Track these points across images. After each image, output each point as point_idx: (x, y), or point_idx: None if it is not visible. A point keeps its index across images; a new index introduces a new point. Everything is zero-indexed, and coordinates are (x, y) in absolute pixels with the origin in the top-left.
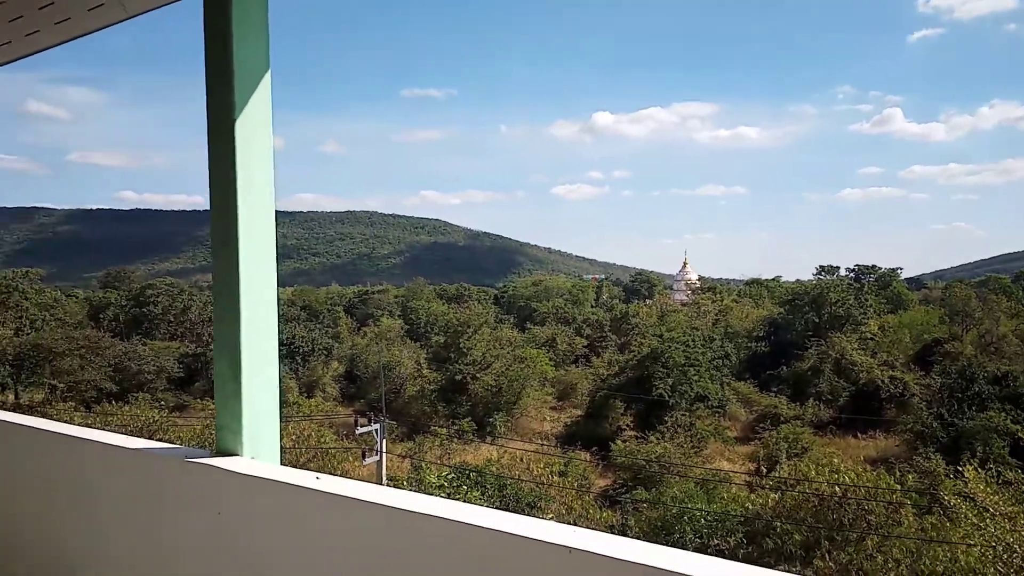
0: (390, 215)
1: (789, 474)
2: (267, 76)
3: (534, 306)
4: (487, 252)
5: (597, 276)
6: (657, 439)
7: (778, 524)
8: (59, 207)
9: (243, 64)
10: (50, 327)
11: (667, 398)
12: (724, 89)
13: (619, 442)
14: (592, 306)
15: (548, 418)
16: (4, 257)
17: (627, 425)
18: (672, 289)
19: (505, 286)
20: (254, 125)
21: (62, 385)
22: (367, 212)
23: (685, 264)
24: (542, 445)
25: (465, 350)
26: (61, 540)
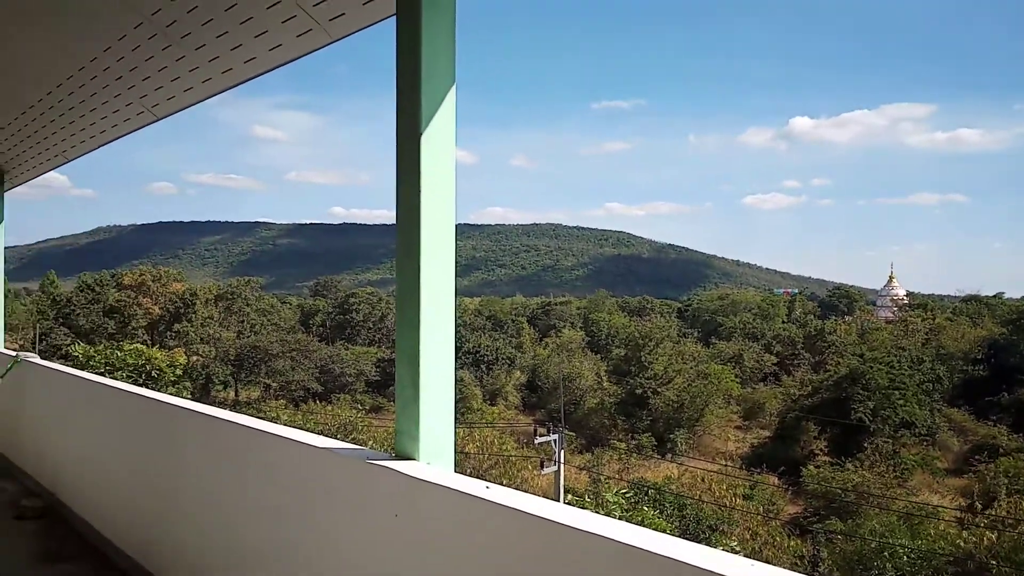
0: (574, 227)
1: (1009, 512)
2: (452, 90)
3: (720, 320)
4: (672, 265)
5: (789, 290)
6: (855, 466)
7: (994, 566)
8: (278, 222)
9: (430, 79)
10: (267, 331)
11: (867, 423)
12: (941, 88)
13: (811, 467)
14: (783, 322)
15: (733, 438)
16: (230, 267)
17: (820, 450)
18: (875, 305)
19: (689, 299)
20: (439, 139)
21: (275, 384)
22: (552, 224)
23: (891, 278)
24: (725, 465)
25: (646, 364)
26: (246, 528)
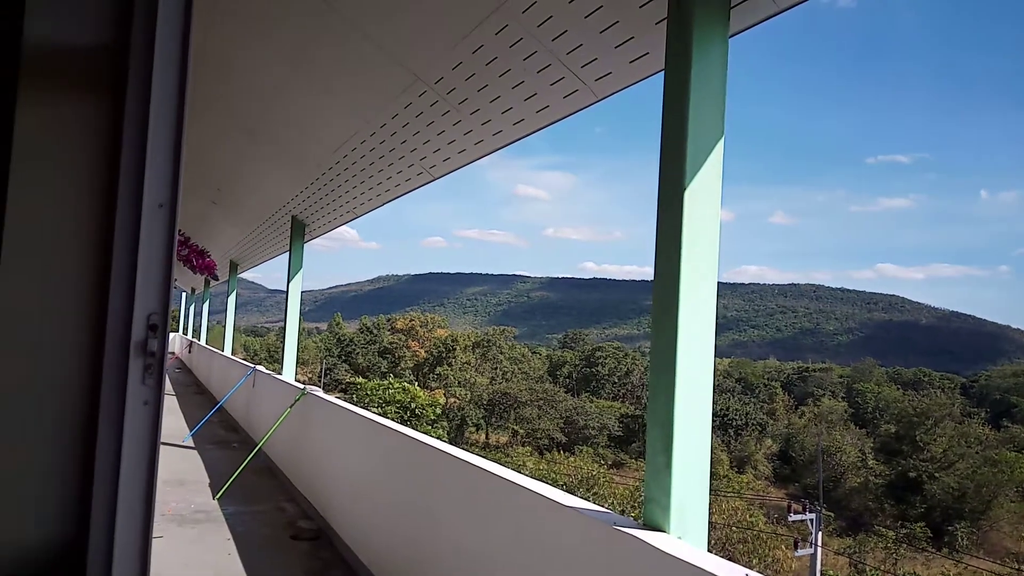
0: (838, 289)
1: None
2: (720, 144)
3: (1014, 400)
4: (955, 334)
5: None
6: None
7: None
8: (533, 275)
9: (696, 132)
10: (517, 379)
11: None
12: None
13: None
14: None
15: None
16: (488, 316)
17: None
18: None
19: (977, 375)
20: (703, 194)
21: (522, 431)
22: (812, 285)
23: None
24: (1018, 570)
25: (922, 444)
26: (482, 574)
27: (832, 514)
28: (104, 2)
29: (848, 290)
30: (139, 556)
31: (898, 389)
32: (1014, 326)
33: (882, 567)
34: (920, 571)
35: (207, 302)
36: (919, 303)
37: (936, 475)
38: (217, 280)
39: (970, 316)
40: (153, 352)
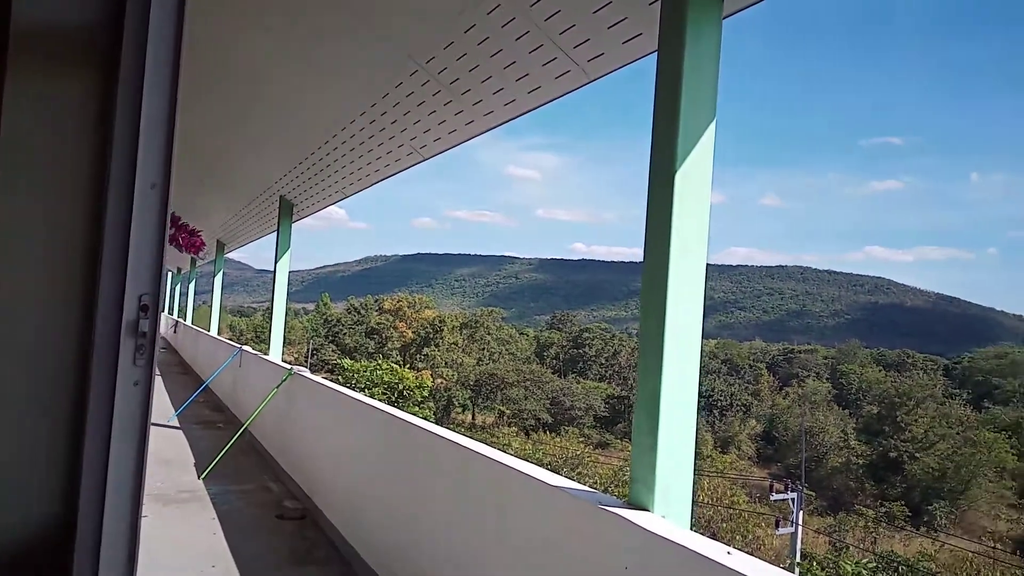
0: (826, 271)
1: None
2: (711, 126)
3: (996, 383)
4: (941, 317)
5: None
6: None
7: None
8: (522, 256)
9: (689, 115)
10: (504, 360)
11: None
12: None
13: None
14: None
15: (1004, 516)
16: (477, 297)
17: None
18: None
19: (960, 357)
20: (694, 176)
21: (508, 411)
22: (800, 267)
23: None
24: (994, 548)
25: (903, 425)
26: (469, 555)
27: (814, 493)
28: None
29: (836, 272)
30: (128, 537)
31: (881, 371)
32: (1001, 309)
33: (861, 545)
34: (898, 549)
35: (193, 282)
36: (906, 285)
37: (916, 455)
38: (203, 260)
39: (956, 299)
40: (144, 333)
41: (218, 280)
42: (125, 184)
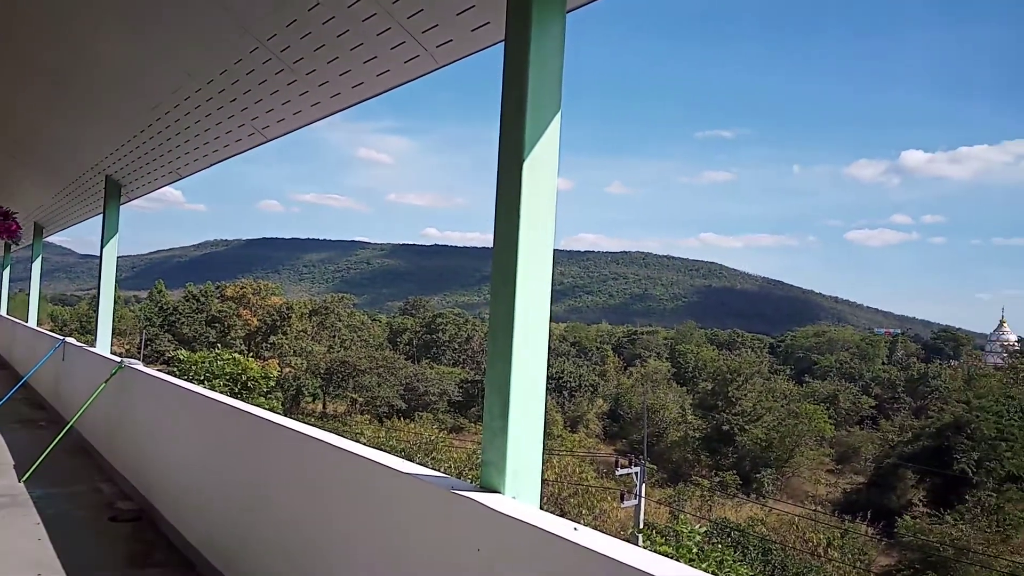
0: (664, 256)
1: None
2: (557, 118)
3: (815, 359)
4: (767, 299)
5: (891, 330)
6: (955, 520)
7: None
8: (374, 241)
9: (535, 106)
10: (356, 347)
11: (970, 474)
12: None
13: (907, 518)
14: (884, 363)
15: (824, 481)
16: (327, 284)
17: (919, 500)
18: (984, 351)
19: (783, 336)
20: (541, 166)
21: (361, 399)
22: (642, 253)
23: (1002, 322)
24: (815, 511)
25: (734, 399)
26: (318, 546)
27: (655, 467)
28: None
29: (674, 258)
30: None
31: (715, 349)
32: (819, 291)
33: (698, 513)
34: (730, 515)
35: (8, 268)
36: (735, 269)
37: (746, 428)
38: (19, 245)
39: (779, 281)
40: None
41: (36, 266)
42: None
